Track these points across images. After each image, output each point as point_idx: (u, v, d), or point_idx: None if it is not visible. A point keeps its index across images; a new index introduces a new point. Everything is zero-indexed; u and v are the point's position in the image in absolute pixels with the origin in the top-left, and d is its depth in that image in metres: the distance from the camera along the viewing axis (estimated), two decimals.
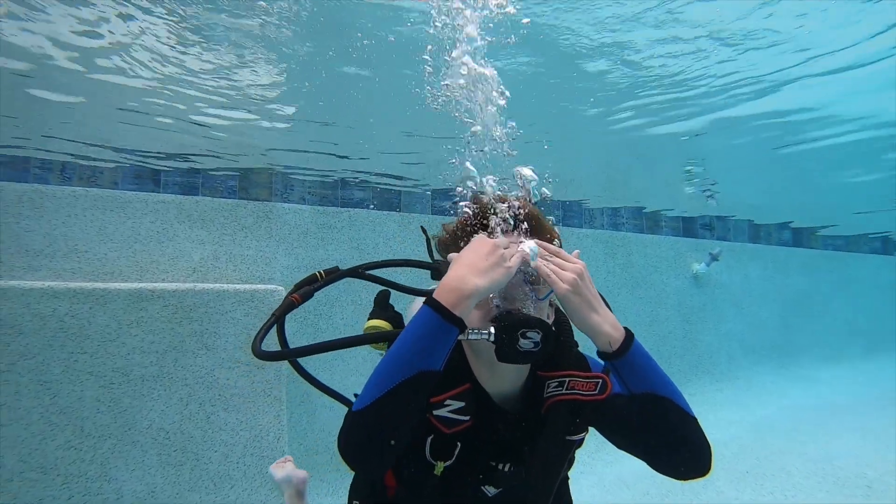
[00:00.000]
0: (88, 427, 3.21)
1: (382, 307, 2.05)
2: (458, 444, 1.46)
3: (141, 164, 4.47)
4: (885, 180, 6.62)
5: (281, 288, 3.76)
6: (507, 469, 1.55)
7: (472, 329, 1.39)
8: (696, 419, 1.48)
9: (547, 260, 1.44)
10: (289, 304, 1.73)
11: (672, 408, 1.46)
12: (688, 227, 7.27)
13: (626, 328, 1.47)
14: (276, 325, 1.77)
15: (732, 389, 6.64)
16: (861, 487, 3.76)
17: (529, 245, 1.41)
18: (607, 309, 1.48)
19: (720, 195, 7.06)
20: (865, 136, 5.13)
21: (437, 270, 1.79)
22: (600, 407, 1.52)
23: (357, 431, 1.35)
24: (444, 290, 1.35)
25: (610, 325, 1.45)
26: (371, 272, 1.94)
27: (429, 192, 5.48)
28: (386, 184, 5.31)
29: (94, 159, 4.36)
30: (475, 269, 1.35)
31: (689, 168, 5.93)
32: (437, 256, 1.83)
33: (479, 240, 1.41)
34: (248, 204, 4.66)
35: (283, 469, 2.23)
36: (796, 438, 4.94)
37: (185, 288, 3.51)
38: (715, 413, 5.98)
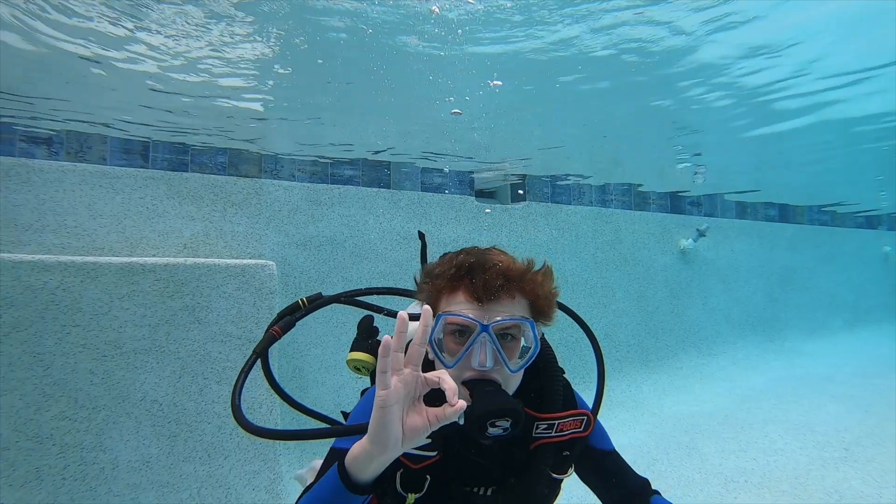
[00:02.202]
0: (82, 398, 3.24)
1: (366, 335, 2.07)
2: (428, 477, 1.47)
3: (130, 137, 4.45)
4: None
5: (272, 263, 3.79)
6: (487, 493, 1.56)
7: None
8: None
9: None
10: (269, 339, 1.74)
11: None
12: (675, 204, 7.34)
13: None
14: (260, 360, 1.78)
15: (719, 363, 6.76)
16: (839, 450, 3.87)
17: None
18: None
19: (708, 172, 7.12)
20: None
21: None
22: (586, 450, 1.60)
23: None
24: (354, 457, 1.27)
25: None
26: (355, 298, 1.95)
27: (419, 169, 5.50)
28: (375, 160, 5.32)
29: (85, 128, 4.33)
30: (378, 436, 1.22)
31: (678, 147, 5.97)
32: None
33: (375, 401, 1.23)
34: (238, 181, 4.67)
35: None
36: (779, 407, 5.06)
37: (177, 262, 3.53)
38: (702, 385, 6.10)
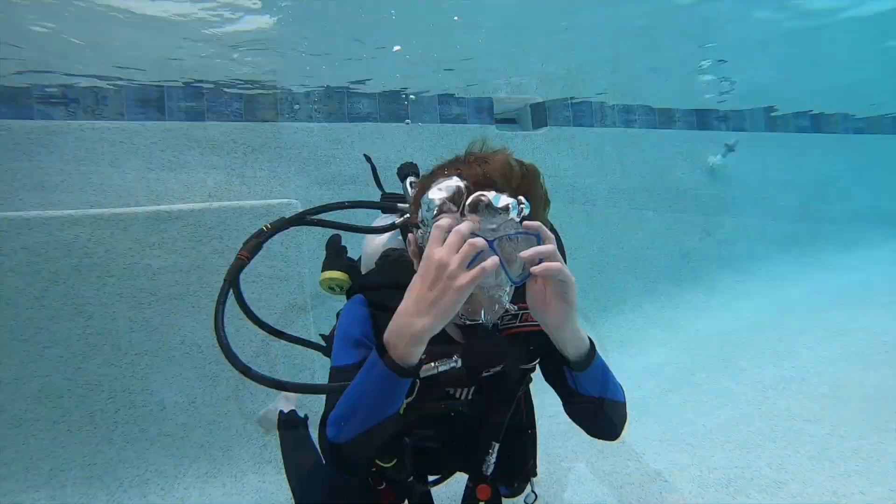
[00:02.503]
0: (125, 346, 3.35)
1: (336, 254, 2.06)
2: (417, 381, 1.46)
3: (145, 83, 4.44)
4: None
5: (296, 201, 3.80)
6: (468, 396, 1.61)
7: (434, 364, 1.36)
8: (624, 404, 1.58)
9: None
10: (238, 265, 1.75)
11: (610, 406, 1.53)
12: (702, 120, 7.12)
13: (588, 338, 1.46)
14: (232, 290, 1.79)
15: (753, 280, 6.65)
16: (880, 353, 3.81)
17: (493, 259, 1.18)
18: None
19: (736, 84, 6.88)
20: None
21: (390, 209, 1.77)
22: (550, 345, 1.52)
23: (338, 460, 1.39)
24: (392, 334, 1.25)
25: (580, 336, 1.41)
26: (318, 217, 1.93)
27: (436, 99, 5.41)
28: (391, 91, 5.23)
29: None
30: (421, 303, 1.20)
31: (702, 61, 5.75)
32: (386, 189, 1.80)
33: (426, 258, 1.21)
34: (256, 126, 4.66)
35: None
36: (817, 317, 4.98)
37: (202, 207, 3.56)
38: (737, 302, 6.02)
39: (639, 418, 3.46)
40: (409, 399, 1.49)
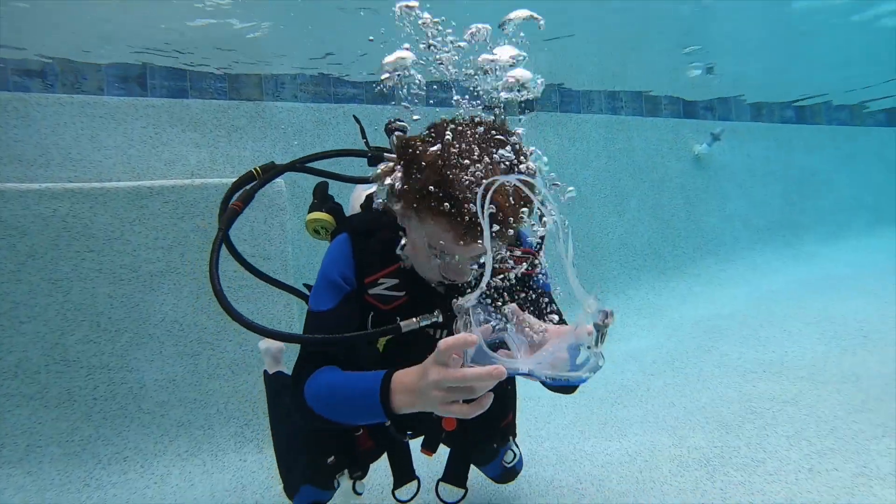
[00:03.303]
0: (104, 322, 3.30)
1: (322, 198, 2.08)
2: (398, 318, 1.51)
3: (127, 62, 4.36)
4: None
5: (280, 181, 3.75)
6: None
7: (417, 319, 1.43)
8: None
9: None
10: (232, 213, 1.74)
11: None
12: (688, 109, 7.14)
13: None
14: (225, 242, 1.79)
15: (737, 268, 6.71)
16: (858, 338, 3.87)
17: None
18: None
19: (721, 74, 6.89)
20: None
21: (376, 158, 1.79)
22: (529, 287, 1.63)
23: (309, 420, 1.54)
24: (400, 390, 1.36)
25: None
26: (308, 164, 1.94)
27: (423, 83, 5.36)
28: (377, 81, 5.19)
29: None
30: (439, 389, 1.25)
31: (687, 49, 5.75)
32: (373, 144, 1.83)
33: (434, 371, 1.25)
34: (240, 104, 4.60)
35: (266, 342, 2.74)
36: (798, 304, 5.04)
37: (184, 184, 3.51)
38: (720, 291, 6.08)
39: (621, 401, 3.49)
40: (389, 337, 1.62)
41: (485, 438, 2.01)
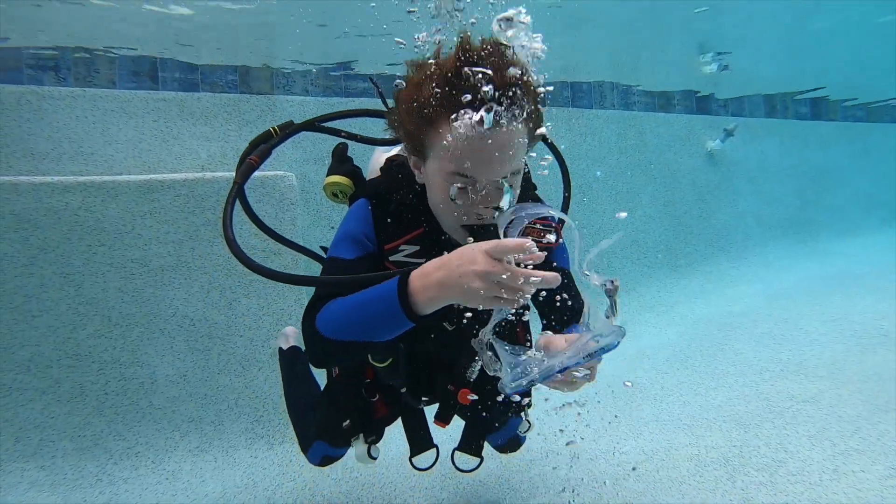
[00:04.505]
0: (115, 316, 3.28)
1: (340, 160, 2.05)
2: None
3: (139, 55, 4.34)
4: None
5: (291, 175, 3.73)
6: (462, 322, 1.61)
7: None
8: None
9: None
10: (248, 167, 1.73)
11: None
12: (701, 105, 7.07)
13: None
14: (240, 198, 1.79)
15: (749, 265, 6.64)
16: (877, 336, 3.80)
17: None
18: None
19: (734, 70, 6.82)
20: None
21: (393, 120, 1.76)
22: (547, 264, 1.60)
23: (318, 351, 1.46)
24: (420, 280, 1.27)
25: None
26: (327, 124, 1.92)
27: None
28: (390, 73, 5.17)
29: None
30: (465, 279, 1.19)
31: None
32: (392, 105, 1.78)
33: (503, 244, 1.18)
34: (251, 98, 4.58)
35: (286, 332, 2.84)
36: (813, 302, 4.97)
37: (195, 177, 3.49)
38: (733, 288, 6.01)
39: (635, 400, 3.44)
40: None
41: (501, 411, 1.99)
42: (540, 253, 1.18)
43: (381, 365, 1.72)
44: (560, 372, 1.24)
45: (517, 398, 1.93)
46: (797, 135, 7.90)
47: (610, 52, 5.85)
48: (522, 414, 2.07)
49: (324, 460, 2.06)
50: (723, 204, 6.90)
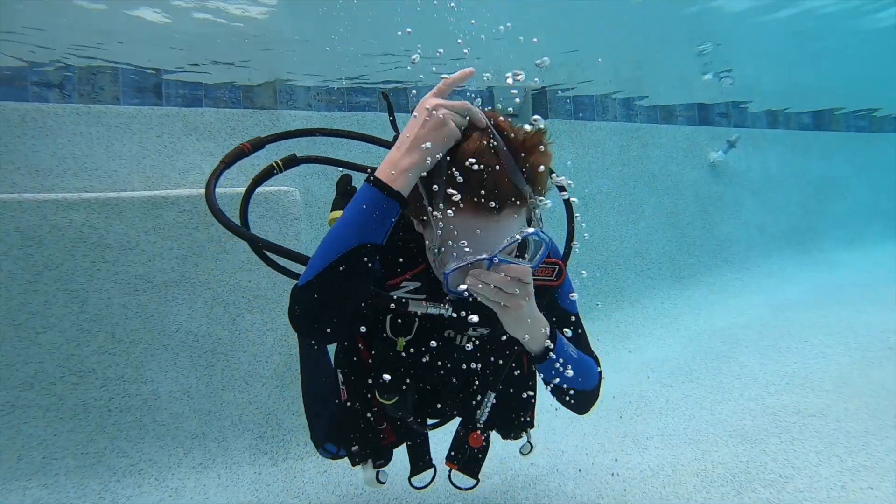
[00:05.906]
0: (119, 333, 3.28)
1: (343, 194, 2.08)
2: (417, 319, 1.55)
3: (142, 69, 4.37)
4: None
5: (295, 189, 3.74)
6: (466, 343, 1.66)
7: (426, 303, 1.49)
8: (591, 391, 1.73)
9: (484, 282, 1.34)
10: (239, 152, 1.79)
11: (571, 392, 1.67)
12: (703, 116, 7.08)
13: (551, 331, 1.56)
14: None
15: (753, 276, 6.63)
16: (883, 349, 3.79)
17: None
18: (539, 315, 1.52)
19: (736, 80, 6.83)
20: None
21: None
22: (552, 305, 1.69)
23: (303, 304, 1.38)
24: (383, 167, 1.35)
25: (536, 335, 1.52)
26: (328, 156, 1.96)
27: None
28: (393, 87, 5.19)
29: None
30: (410, 142, 1.32)
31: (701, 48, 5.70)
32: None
33: (419, 104, 1.36)
34: (254, 113, 4.59)
35: None
36: (818, 314, 4.96)
37: (199, 193, 3.49)
38: (737, 299, 6.00)
39: (640, 414, 3.42)
40: (409, 337, 1.62)
41: (505, 436, 2.03)
42: None
43: (389, 402, 1.69)
44: (490, 264, 1.34)
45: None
46: (799, 145, 7.90)
47: (612, 64, 5.86)
48: (524, 434, 2.06)
49: (336, 456, 2.06)
50: (726, 215, 6.90)
